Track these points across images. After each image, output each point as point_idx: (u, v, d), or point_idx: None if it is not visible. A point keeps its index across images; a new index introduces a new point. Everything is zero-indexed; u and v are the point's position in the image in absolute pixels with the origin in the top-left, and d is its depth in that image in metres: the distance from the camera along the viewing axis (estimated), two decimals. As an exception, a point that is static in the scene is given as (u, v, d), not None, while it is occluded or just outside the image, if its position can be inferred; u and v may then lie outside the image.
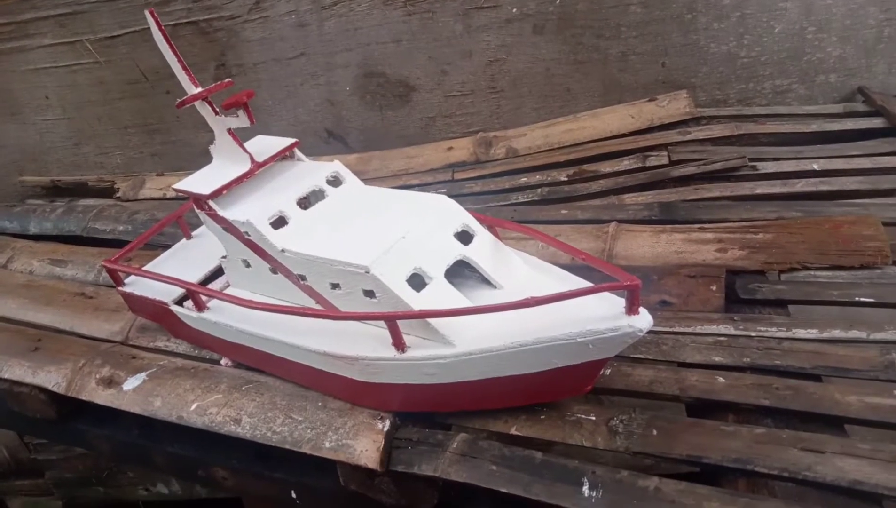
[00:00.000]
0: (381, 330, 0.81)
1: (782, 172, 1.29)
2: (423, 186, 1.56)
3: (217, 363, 1.08)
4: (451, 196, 1.49)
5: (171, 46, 0.92)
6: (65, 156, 1.99)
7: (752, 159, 1.33)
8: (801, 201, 1.18)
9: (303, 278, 0.89)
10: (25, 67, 1.86)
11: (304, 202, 0.95)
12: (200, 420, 0.96)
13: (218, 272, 1.09)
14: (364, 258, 0.80)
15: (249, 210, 0.92)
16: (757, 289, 0.98)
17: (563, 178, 1.45)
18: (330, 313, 0.85)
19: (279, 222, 0.91)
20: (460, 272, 0.86)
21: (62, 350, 1.17)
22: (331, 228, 0.90)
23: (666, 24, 1.60)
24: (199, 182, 0.96)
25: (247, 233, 0.91)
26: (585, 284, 0.83)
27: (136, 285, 1.12)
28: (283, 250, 0.88)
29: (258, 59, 1.75)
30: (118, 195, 1.82)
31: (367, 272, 0.79)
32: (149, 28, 0.92)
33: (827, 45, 1.59)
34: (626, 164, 1.43)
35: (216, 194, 0.93)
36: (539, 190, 1.42)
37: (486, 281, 0.86)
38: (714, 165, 1.32)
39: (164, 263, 1.17)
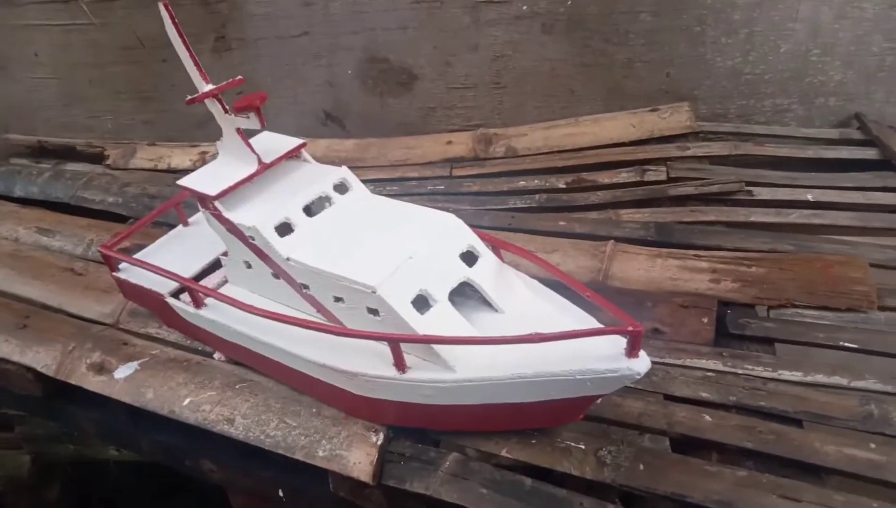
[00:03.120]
0: (381, 347, 0.82)
1: (777, 201, 1.31)
2: (421, 181, 1.56)
3: (210, 356, 1.09)
4: (448, 194, 1.51)
5: (185, 41, 0.90)
6: (53, 116, 1.93)
7: (748, 183, 1.35)
8: (794, 234, 1.20)
9: (305, 287, 0.90)
10: (16, 22, 1.79)
11: (311, 209, 0.95)
12: (193, 417, 0.97)
13: (216, 264, 1.08)
14: (371, 278, 0.80)
15: (255, 214, 0.91)
16: (746, 324, 1.00)
17: (562, 185, 1.46)
18: (333, 328, 0.86)
19: (285, 229, 0.91)
20: (462, 291, 0.87)
21: (51, 330, 1.16)
22: (337, 238, 0.90)
23: (674, 35, 1.60)
24: (205, 180, 0.95)
25: (252, 238, 0.91)
26: (585, 315, 0.84)
27: (131, 273, 1.11)
28: (288, 259, 0.88)
29: (260, 34, 1.71)
30: (108, 163, 1.78)
31: (374, 293, 0.80)
32: None
33: (830, 69, 1.61)
34: (624, 176, 1.44)
35: (222, 195, 0.92)
36: (537, 196, 1.43)
37: (488, 303, 0.88)
38: (711, 186, 1.34)
39: (159, 250, 1.16)
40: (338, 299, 0.86)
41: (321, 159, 1.74)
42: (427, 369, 0.81)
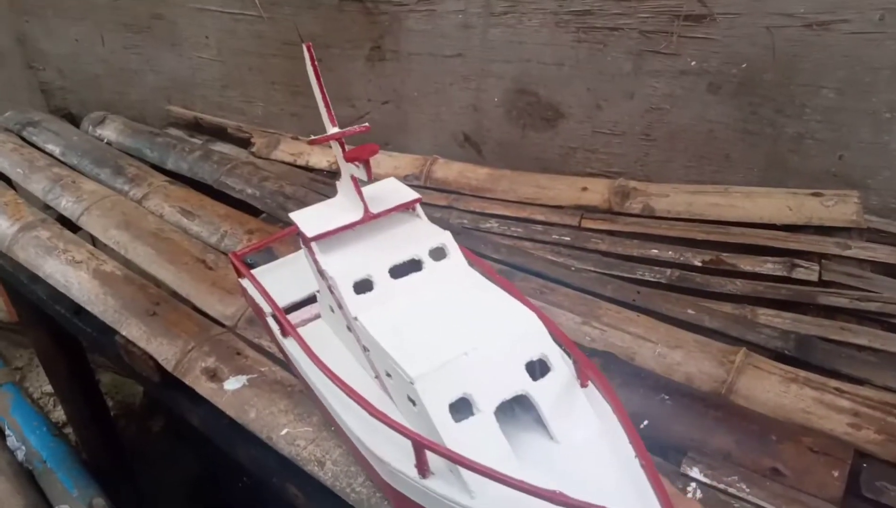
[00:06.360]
0: None
1: (945, 335, 1.15)
2: (547, 227, 1.51)
3: (312, 384, 1.11)
4: (573, 248, 1.45)
5: (319, 81, 0.92)
6: (211, 95, 2.04)
7: (913, 305, 1.20)
8: (960, 384, 1.05)
9: (366, 349, 0.88)
10: (192, 5, 1.89)
11: (397, 270, 0.92)
12: (287, 449, 1.00)
13: (322, 294, 1.09)
14: (414, 367, 0.75)
15: (341, 264, 0.91)
16: (883, 490, 0.89)
17: (698, 263, 1.36)
18: (367, 405, 0.80)
19: (364, 286, 0.89)
20: (522, 401, 0.79)
21: (176, 324, 1.23)
22: (408, 310, 0.87)
23: (857, 117, 1.44)
24: (312, 218, 0.96)
25: (331, 287, 0.91)
26: (641, 480, 0.70)
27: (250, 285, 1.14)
28: (355, 319, 0.87)
29: (414, 49, 1.71)
30: (253, 150, 1.86)
31: (412, 384, 0.75)
32: None
33: None
34: (769, 267, 1.32)
35: (319, 238, 0.93)
36: (668, 272, 1.34)
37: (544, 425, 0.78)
38: (869, 303, 1.20)
39: (282, 267, 1.19)
40: (388, 375, 0.83)
41: (451, 184, 1.72)
42: (448, 481, 0.74)
